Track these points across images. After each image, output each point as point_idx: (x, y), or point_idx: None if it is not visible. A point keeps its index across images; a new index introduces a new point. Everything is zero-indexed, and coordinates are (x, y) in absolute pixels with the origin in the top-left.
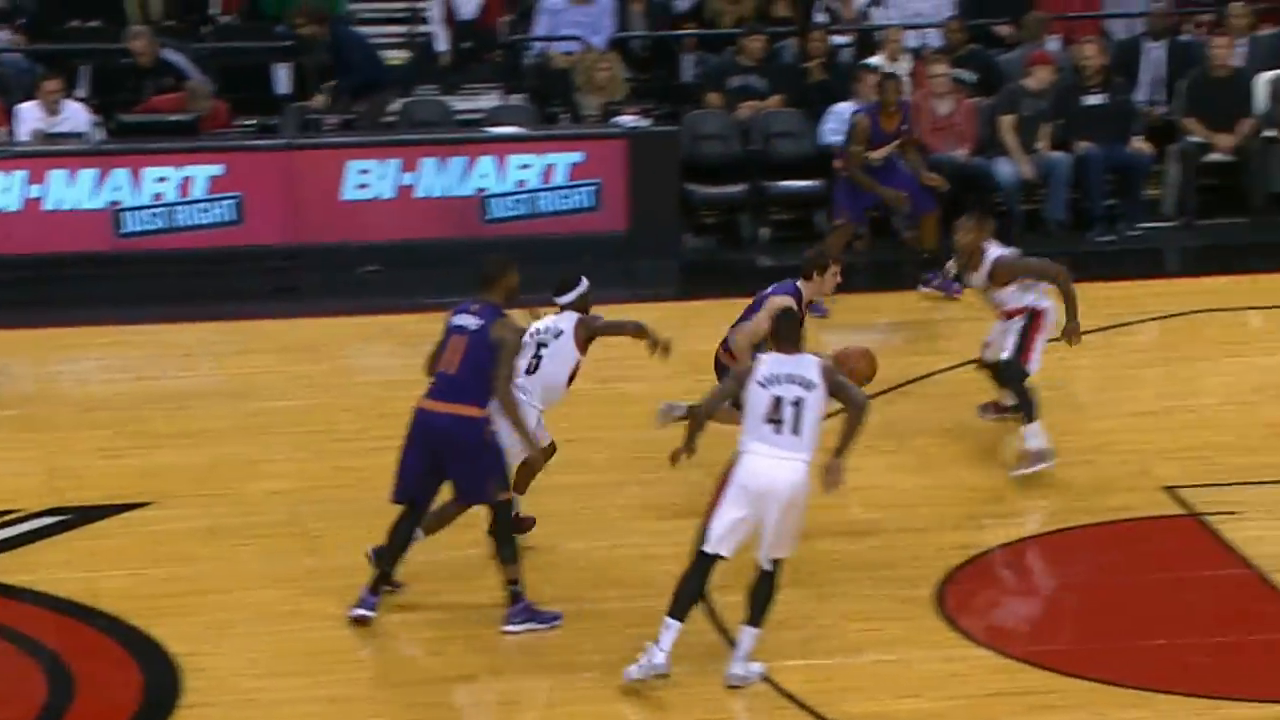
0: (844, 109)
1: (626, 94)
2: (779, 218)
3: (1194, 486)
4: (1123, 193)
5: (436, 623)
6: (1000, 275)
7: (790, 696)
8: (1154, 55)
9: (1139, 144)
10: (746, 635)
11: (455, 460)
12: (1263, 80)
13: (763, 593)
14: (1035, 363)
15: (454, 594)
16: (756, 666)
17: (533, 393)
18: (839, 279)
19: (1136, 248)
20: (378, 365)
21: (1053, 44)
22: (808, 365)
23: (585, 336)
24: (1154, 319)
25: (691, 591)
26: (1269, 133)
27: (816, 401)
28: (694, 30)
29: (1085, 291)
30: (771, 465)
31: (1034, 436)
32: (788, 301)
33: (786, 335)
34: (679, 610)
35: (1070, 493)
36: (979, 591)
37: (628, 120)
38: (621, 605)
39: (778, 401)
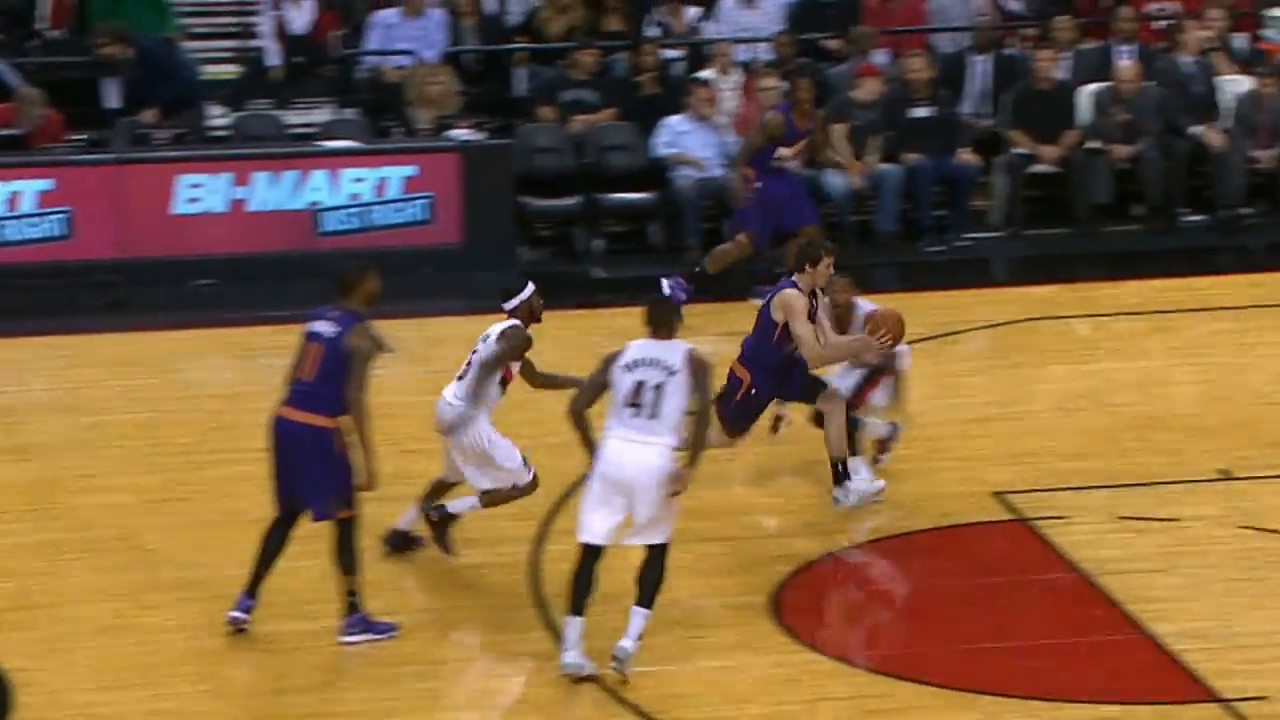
0: (676, 122)
1: (459, 108)
2: (613, 230)
3: (1022, 492)
4: (951, 203)
5: (273, 635)
6: (872, 328)
7: (625, 702)
8: (980, 68)
9: (966, 155)
10: (636, 615)
11: (302, 469)
12: (1086, 93)
13: (649, 575)
14: (880, 398)
15: (293, 607)
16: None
17: (465, 399)
18: (831, 269)
19: (965, 257)
20: (211, 379)
21: (881, 57)
22: (673, 350)
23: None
24: (982, 327)
25: (580, 585)
26: (1092, 144)
27: (678, 387)
28: (526, 44)
29: (915, 301)
30: (631, 449)
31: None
32: (801, 301)
33: (656, 320)
34: (573, 606)
35: (902, 499)
36: (812, 598)
37: (461, 134)
38: (461, 615)
39: (639, 386)
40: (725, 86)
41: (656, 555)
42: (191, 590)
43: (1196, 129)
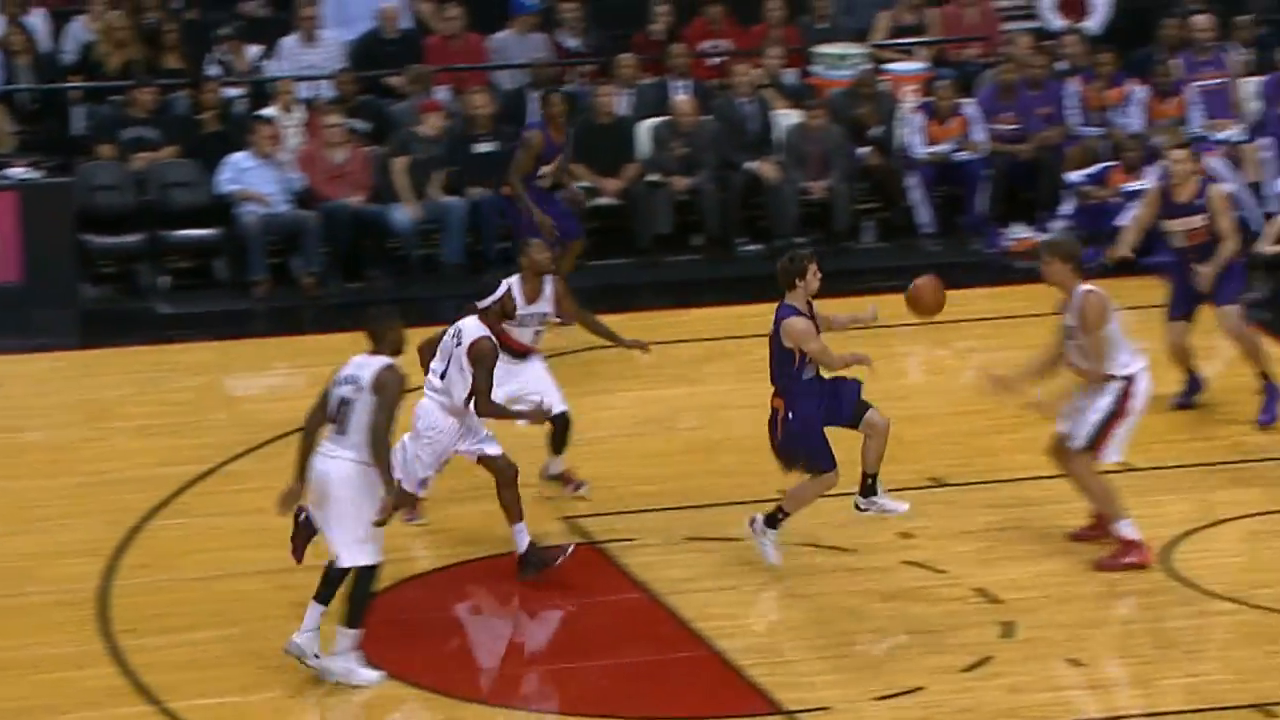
0: (239, 159)
1: (15, 146)
2: (178, 266)
3: (591, 516)
4: (515, 236)
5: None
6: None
7: None
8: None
9: None
10: (339, 635)
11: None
12: (645, 127)
13: (351, 592)
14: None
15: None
16: (367, 674)
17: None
18: (819, 275)
19: None
20: None
21: (443, 94)
22: (369, 367)
23: (474, 358)
24: (552, 355)
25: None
26: (653, 177)
27: (365, 404)
28: (82, 83)
29: None
30: (320, 462)
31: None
32: (803, 323)
33: (370, 334)
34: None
35: (473, 525)
36: (385, 624)
37: (17, 172)
38: (27, 654)
39: (339, 401)
40: (288, 124)
41: (359, 576)
42: None
43: (752, 164)
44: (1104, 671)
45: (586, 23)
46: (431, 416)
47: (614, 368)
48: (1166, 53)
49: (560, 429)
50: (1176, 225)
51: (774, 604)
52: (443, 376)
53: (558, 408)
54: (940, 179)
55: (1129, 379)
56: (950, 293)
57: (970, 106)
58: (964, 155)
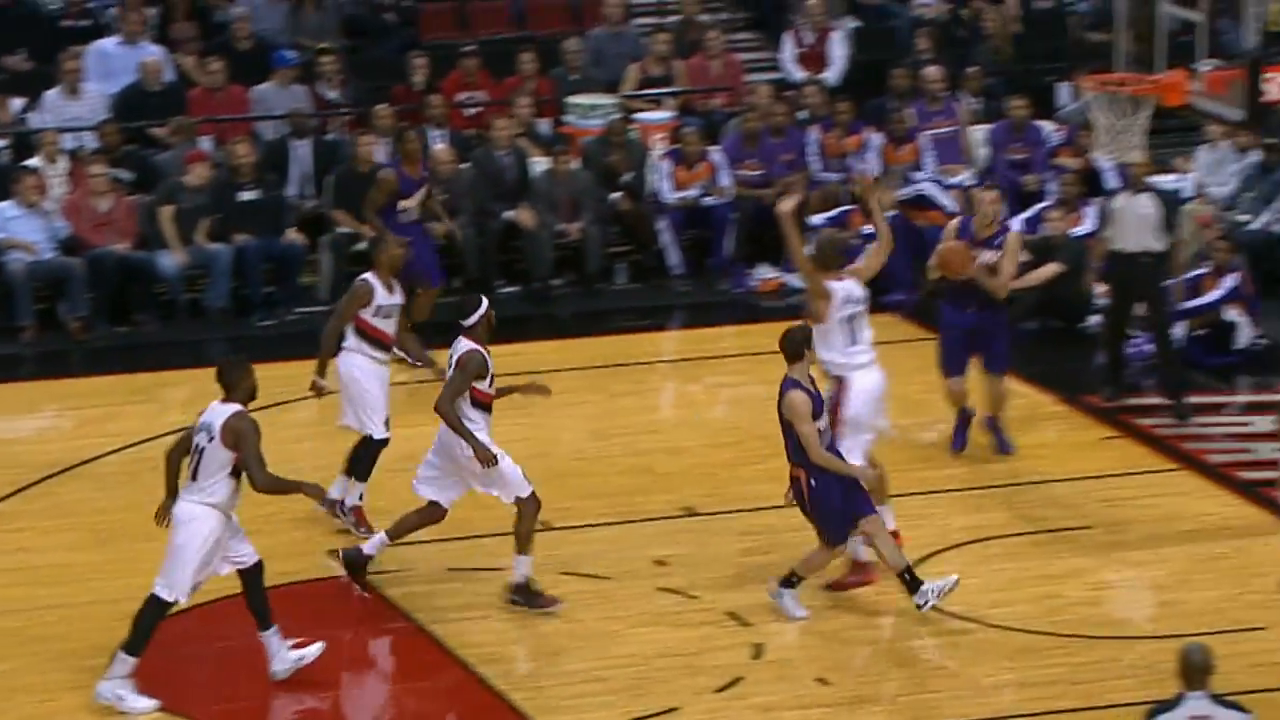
0: (5, 208)
1: None
2: None
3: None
4: (280, 280)
5: None
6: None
7: None
8: (301, 152)
9: (293, 235)
10: (118, 660)
11: None
12: None
13: (138, 618)
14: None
15: None
16: (140, 702)
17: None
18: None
19: (295, 331)
20: None
21: (206, 143)
22: (219, 414)
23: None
24: (309, 398)
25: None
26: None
27: (214, 450)
28: None
29: None
30: (175, 505)
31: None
32: (803, 402)
33: (223, 382)
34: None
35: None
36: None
37: None
38: None
39: (195, 448)
40: (53, 174)
41: (150, 604)
42: None
43: (510, 212)
44: (852, 690)
45: (345, 75)
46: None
47: (408, 399)
48: (899, 102)
49: (361, 453)
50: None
51: (535, 631)
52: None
53: (379, 433)
54: (689, 222)
55: (840, 381)
56: (700, 331)
57: (716, 153)
58: (711, 200)
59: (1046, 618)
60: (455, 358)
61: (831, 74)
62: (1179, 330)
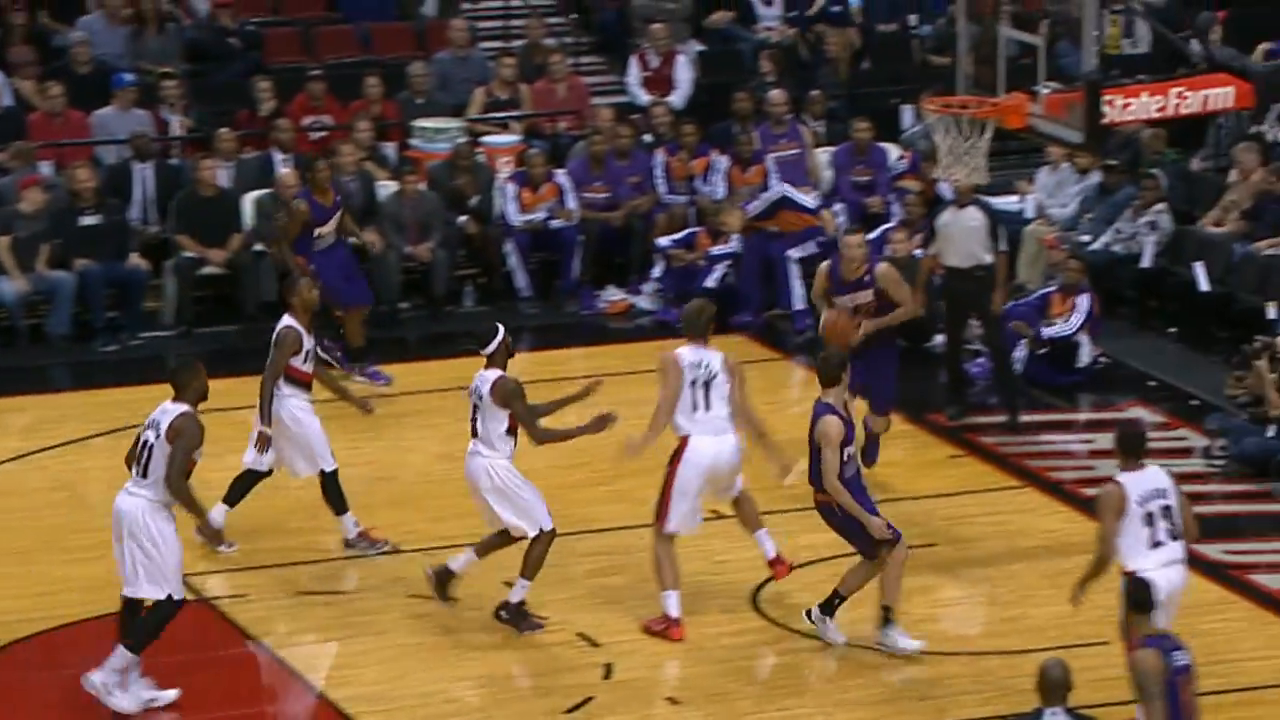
0: None
1: None
2: None
3: (203, 574)
4: (123, 305)
5: None
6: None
7: None
8: (144, 176)
9: (136, 260)
10: (117, 652)
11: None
12: (249, 199)
13: (145, 621)
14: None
15: None
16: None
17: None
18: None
19: (139, 356)
20: None
21: (46, 168)
22: (168, 413)
23: (501, 401)
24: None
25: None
26: (258, 247)
27: (161, 447)
28: None
29: (93, 398)
30: (122, 499)
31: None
32: (835, 423)
33: (173, 384)
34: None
35: (81, 586)
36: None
37: None
38: None
39: (142, 444)
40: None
41: (157, 608)
42: None
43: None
44: (701, 709)
45: (188, 99)
46: (482, 475)
47: (226, 430)
48: (744, 125)
49: (329, 488)
50: (845, 300)
51: (382, 654)
52: (475, 435)
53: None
54: (536, 245)
55: (682, 441)
56: (548, 354)
57: (562, 176)
58: (558, 223)
59: None
60: (489, 391)
61: (677, 97)
62: (1020, 351)
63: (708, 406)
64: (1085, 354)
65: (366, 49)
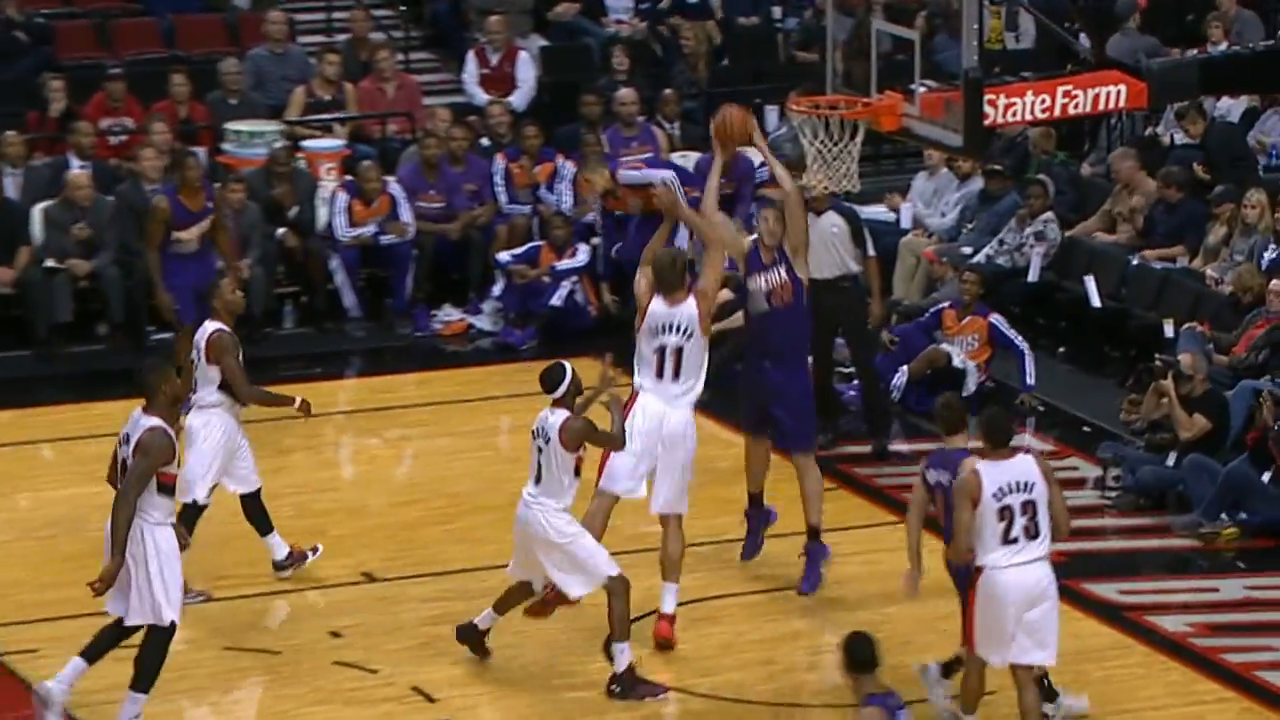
0: None
1: None
2: None
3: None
4: None
5: None
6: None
7: None
8: None
9: None
10: (130, 700)
11: None
12: (38, 210)
13: (142, 654)
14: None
15: None
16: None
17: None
18: None
19: None
20: None
21: None
22: (138, 427)
23: (572, 442)
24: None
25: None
26: (49, 263)
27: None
28: None
29: None
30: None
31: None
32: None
33: (142, 389)
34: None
35: None
36: None
37: None
38: None
39: (121, 461)
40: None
41: (152, 637)
42: None
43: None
44: None
45: None
46: (538, 527)
47: (16, 466)
48: (591, 128)
49: (253, 509)
50: (759, 284)
51: (193, 714)
52: (538, 481)
53: (250, 487)
54: (365, 260)
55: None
56: (378, 379)
57: (395, 186)
58: (389, 238)
59: (762, 685)
60: (557, 435)
61: (518, 97)
62: (899, 378)
63: (675, 377)
64: (971, 379)
65: (171, 44)
